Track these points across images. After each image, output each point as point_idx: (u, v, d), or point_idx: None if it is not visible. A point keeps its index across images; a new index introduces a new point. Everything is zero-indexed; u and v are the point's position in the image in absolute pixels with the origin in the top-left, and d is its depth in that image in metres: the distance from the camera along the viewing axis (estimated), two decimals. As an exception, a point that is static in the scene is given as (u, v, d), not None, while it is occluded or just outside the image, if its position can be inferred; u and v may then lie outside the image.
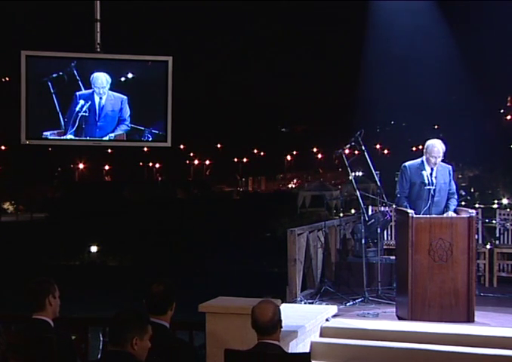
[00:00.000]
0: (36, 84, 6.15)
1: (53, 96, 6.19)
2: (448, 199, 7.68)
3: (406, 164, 7.80)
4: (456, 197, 7.74)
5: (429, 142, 7.63)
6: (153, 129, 6.37)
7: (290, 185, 73.94)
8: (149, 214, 38.41)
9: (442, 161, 7.70)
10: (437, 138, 7.82)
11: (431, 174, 7.61)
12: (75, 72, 6.21)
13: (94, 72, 6.27)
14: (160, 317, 4.62)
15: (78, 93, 6.25)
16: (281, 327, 4.56)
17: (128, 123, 6.33)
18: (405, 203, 7.62)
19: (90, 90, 6.28)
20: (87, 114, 6.26)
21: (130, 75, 6.29)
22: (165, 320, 4.65)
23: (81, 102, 6.24)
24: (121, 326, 3.90)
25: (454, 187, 7.76)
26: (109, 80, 6.27)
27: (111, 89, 6.29)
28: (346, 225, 9.58)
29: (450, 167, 7.79)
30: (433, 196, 7.56)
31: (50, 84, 6.17)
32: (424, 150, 7.66)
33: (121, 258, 33.68)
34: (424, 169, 7.63)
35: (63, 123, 6.24)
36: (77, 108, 6.24)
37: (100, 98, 6.28)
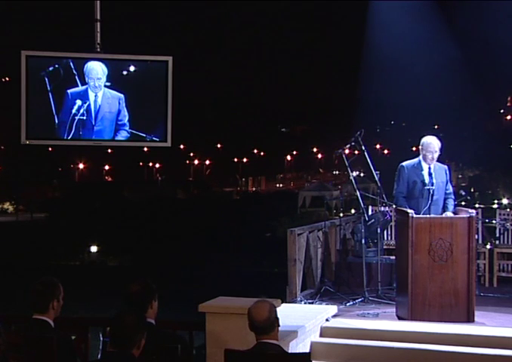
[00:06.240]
0: (35, 82, 5.99)
1: (50, 94, 5.99)
2: (445, 199, 7.69)
3: (403, 163, 7.80)
4: (453, 197, 7.75)
5: (424, 139, 7.65)
6: (154, 136, 6.26)
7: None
8: (149, 214, 38.36)
9: (440, 160, 7.71)
10: (432, 135, 7.83)
11: (430, 174, 7.61)
12: (71, 64, 6.02)
13: (89, 60, 6.05)
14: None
15: (69, 91, 6.01)
16: (278, 326, 4.54)
17: (127, 128, 6.16)
18: (404, 203, 7.62)
19: (84, 87, 6.04)
20: (84, 117, 6.06)
21: (132, 68, 6.12)
22: (149, 317, 4.62)
23: (78, 102, 6.03)
24: (130, 331, 3.87)
25: (451, 187, 7.77)
26: (106, 71, 6.06)
27: (108, 86, 6.09)
28: (346, 225, 9.58)
29: (446, 167, 7.80)
30: (432, 195, 7.56)
31: (46, 79, 5.99)
32: (420, 147, 7.66)
33: (121, 258, 33.63)
34: (422, 168, 7.64)
35: (57, 127, 6.05)
36: (73, 111, 6.05)
37: (96, 96, 6.06)
